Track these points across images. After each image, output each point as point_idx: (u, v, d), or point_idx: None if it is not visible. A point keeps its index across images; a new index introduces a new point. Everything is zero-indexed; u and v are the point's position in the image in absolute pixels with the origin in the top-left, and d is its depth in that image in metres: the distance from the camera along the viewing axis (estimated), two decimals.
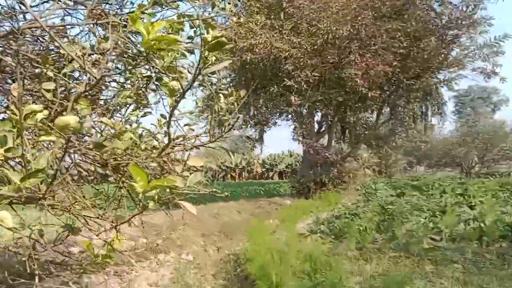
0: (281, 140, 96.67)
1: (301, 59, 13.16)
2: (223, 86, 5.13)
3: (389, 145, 26.01)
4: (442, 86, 18.01)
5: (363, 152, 28.07)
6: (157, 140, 3.44)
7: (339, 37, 12.48)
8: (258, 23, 13.20)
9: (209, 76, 4.00)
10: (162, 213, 11.20)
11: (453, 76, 16.00)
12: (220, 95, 3.25)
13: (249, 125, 20.39)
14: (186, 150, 3.34)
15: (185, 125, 3.26)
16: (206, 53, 2.37)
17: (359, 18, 12.16)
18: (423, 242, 7.86)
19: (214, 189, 2.83)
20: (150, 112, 3.69)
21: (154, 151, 3.21)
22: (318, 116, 20.20)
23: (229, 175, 49.21)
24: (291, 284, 5.30)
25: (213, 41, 2.24)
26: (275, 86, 14.93)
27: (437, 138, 30.16)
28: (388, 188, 20.38)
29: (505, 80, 13.71)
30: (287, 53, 12.98)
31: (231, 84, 18.07)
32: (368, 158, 28.32)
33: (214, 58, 2.42)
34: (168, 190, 2.15)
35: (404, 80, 15.04)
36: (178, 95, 2.69)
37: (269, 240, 7.24)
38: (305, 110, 17.74)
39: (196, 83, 5.16)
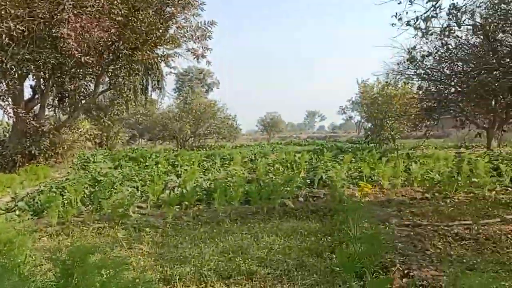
0: None
1: (3, 8, 11.04)
2: None
3: (110, 116, 25.56)
4: (160, 61, 18.79)
5: (85, 124, 26.58)
6: None
7: None
8: None
9: None
10: None
11: (170, 53, 16.93)
12: None
13: None
14: None
15: None
16: None
17: None
18: (129, 211, 7.99)
19: None
20: None
21: None
22: (31, 80, 17.69)
23: None
24: None
25: None
26: None
27: (158, 113, 31.75)
28: (107, 160, 20.05)
29: (210, 64, 15.51)
30: None
31: None
32: (89, 130, 26.99)
33: None
34: None
35: (124, 50, 14.84)
36: None
37: None
38: (12, 71, 15.15)
39: None
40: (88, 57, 11.93)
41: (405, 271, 4.60)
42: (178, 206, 8.76)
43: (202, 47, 14.85)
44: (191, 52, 15.00)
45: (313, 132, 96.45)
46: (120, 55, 15.68)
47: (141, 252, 5.94)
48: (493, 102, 23.90)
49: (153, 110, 33.31)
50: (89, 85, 19.82)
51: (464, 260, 5.14)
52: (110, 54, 16.10)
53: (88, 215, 7.87)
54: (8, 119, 16.18)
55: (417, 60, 7.02)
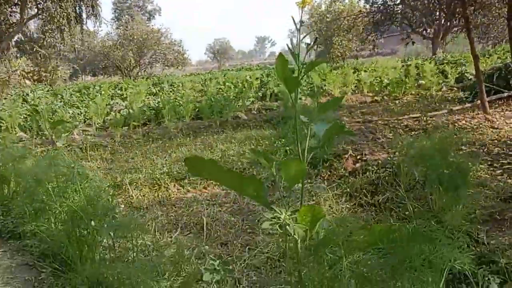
0: None
1: None
2: None
3: (45, 47, 23.66)
4: None
5: (20, 62, 24.53)
6: None
7: None
8: None
9: None
10: None
11: None
12: None
13: None
14: None
15: None
16: None
17: None
18: (73, 133, 7.56)
19: None
20: None
21: None
22: None
23: None
24: None
25: None
26: None
27: (97, 44, 29.59)
28: (47, 95, 18.84)
29: None
30: None
31: None
32: (24, 66, 25.02)
33: None
34: None
35: None
36: None
37: None
38: None
39: None
40: None
41: (358, 157, 4.66)
42: (126, 127, 8.41)
43: None
44: None
45: (264, 59, 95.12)
46: None
47: (89, 168, 5.66)
48: (437, 12, 24.27)
49: (91, 42, 31.13)
50: (15, 14, 17.96)
51: (414, 146, 5.27)
52: None
53: (28, 141, 7.36)
54: None
55: None
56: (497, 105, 7.54)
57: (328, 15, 26.78)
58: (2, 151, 3.93)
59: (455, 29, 24.40)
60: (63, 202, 2.20)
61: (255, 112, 9.54)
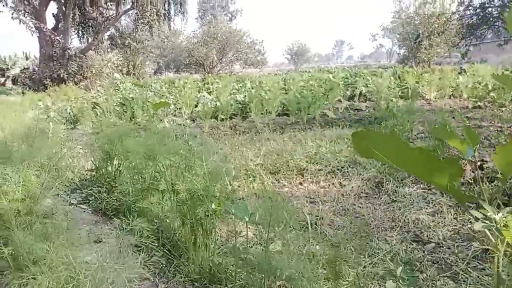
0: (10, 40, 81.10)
1: None
2: None
3: (137, 43, 24.96)
4: None
5: (112, 56, 26.20)
6: None
7: None
8: None
9: None
10: None
11: None
12: None
13: None
14: None
15: None
16: None
17: None
18: (164, 121, 7.69)
19: None
20: None
21: None
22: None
23: None
24: None
25: None
26: None
27: (182, 41, 30.66)
28: (136, 88, 19.81)
29: None
30: None
31: None
32: (114, 60, 26.58)
33: None
34: None
35: None
36: None
37: None
38: None
39: None
40: None
41: (477, 163, 4.09)
42: (214, 119, 8.42)
43: None
44: None
45: (341, 62, 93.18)
46: None
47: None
48: None
49: (177, 39, 32.41)
50: (111, 7, 19.14)
51: None
52: None
53: (123, 125, 7.59)
54: (43, 43, 15.78)
55: None
56: None
57: (416, 18, 25.34)
58: (108, 129, 3.93)
59: None
60: (183, 178, 2.02)
61: (343, 112, 9.10)
